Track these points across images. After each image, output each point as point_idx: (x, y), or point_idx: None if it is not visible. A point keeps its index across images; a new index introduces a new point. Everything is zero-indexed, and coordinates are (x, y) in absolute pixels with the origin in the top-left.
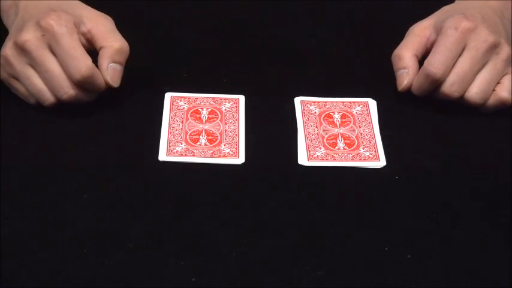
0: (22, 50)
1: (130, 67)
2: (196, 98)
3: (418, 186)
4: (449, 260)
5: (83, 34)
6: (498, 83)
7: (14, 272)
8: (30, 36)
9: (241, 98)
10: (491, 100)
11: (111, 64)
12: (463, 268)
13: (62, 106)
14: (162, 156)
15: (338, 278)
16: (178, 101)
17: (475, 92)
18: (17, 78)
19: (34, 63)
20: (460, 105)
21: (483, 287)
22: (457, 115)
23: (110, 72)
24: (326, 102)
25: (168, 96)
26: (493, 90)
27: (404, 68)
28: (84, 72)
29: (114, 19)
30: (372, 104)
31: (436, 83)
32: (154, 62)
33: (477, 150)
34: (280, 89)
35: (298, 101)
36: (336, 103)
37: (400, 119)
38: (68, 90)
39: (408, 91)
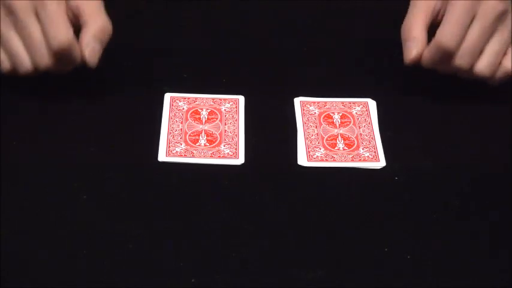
0: (9, 10)
1: (130, 67)
2: (196, 99)
3: (418, 186)
4: (449, 260)
5: (71, 8)
6: (505, 53)
7: (14, 272)
8: None
9: (241, 99)
10: (498, 73)
11: (91, 42)
12: (463, 268)
13: (61, 104)
14: (162, 156)
15: (338, 278)
16: (178, 102)
17: (483, 65)
18: None
19: (18, 26)
20: (462, 77)
21: (483, 287)
22: (457, 115)
23: (89, 49)
24: (326, 102)
25: (167, 96)
26: (500, 62)
27: (413, 39)
28: (63, 42)
29: (114, 19)
30: (372, 104)
31: (448, 55)
32: (154, 62)
33: (477, 150)
34: (280, 89)
35: (297, 101)
36: (335, 103)
37: (400, 119)
38: (45, 60)
39: (415, 63)
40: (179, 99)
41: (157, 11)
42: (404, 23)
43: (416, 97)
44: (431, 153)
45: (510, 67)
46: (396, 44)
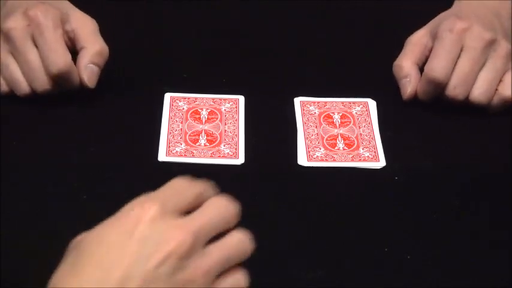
0: (6, 37)
1: (130, 67)
2: (196, 99)
3: (418, 186)
4: (449, 260)
5: (67, 32)
6: (500, 81)
7: (14, 272)
8: (15, 25)
9: (241, 99)
10: (495, 100)
11: (90, 65)
12: (463, 268)
13: (61, 104)
14: (162, 156)
15: (338, 278)
16: (178, 102)
17: (478, 92)
18: None
19: (15, 52)
20: (461, 105)
21: (483, 287)
22: (457, 115)
23: (88, 72)
24: (326, 102)
25: (167, 96)
26: (496, 89)
27: (406, 76)
28: (62, 67)
29: (115, 19)
30: (372, 104)
31: (439, 87)
32: (154, 62)
33: (477, 150)
34: (280, 89)
35: (298, 101)
36: (335, 103)
37: (399, 119)
38: (43, 84)
39: (413, 98)
40: (179, 99)
41: (157, 11)
42: (395, 63)
43: (416, 97)
44: (431, 153)
45: (507, 93)
46: (396, 44)
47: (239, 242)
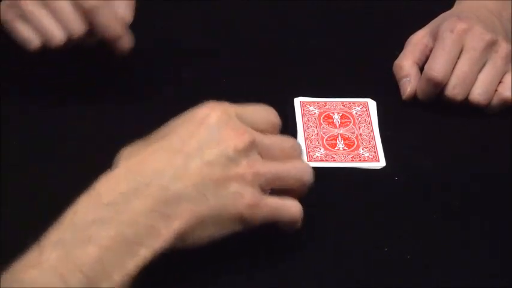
0: None
1: (130, 67)
2: None
3: (418, 187)
4: (449, 260)
5: None
6: (500, 82)
7: None
8: None
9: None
10: (495, 100)
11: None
12: (463, 268)
13: (61, 104)
14: None
15: (338, 278)
16: None
17: (477, 93)
18: (24, 19)
19: (46, 2)
20: (461, 106)
21: (483, 287)
22: (457, 115)
23: (124, 4)
24: (326, 102)
25: None
26: (496, 90)
27: (406, 76)
28: (95, 2)
29: None
30: (372, 104)
31: (438, 87)
32: (155, 62)
33: (477, 150)
34: (280, 89)
35: (298, 101)
36: (335, 103)
37: (399, 119)
38: (79, 27)
39: (413, 98)
40: None
41: (157, 11)
42: (395, 63)
43: (416, 97)
44: (431, 153)
45: (507, 94)
46: (396, 44)
47: (299, 168)
